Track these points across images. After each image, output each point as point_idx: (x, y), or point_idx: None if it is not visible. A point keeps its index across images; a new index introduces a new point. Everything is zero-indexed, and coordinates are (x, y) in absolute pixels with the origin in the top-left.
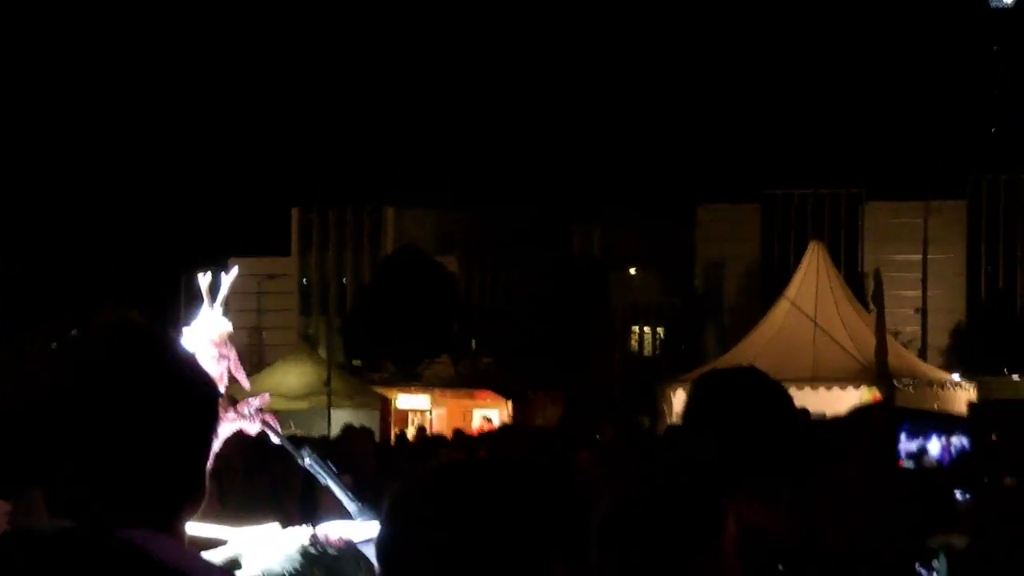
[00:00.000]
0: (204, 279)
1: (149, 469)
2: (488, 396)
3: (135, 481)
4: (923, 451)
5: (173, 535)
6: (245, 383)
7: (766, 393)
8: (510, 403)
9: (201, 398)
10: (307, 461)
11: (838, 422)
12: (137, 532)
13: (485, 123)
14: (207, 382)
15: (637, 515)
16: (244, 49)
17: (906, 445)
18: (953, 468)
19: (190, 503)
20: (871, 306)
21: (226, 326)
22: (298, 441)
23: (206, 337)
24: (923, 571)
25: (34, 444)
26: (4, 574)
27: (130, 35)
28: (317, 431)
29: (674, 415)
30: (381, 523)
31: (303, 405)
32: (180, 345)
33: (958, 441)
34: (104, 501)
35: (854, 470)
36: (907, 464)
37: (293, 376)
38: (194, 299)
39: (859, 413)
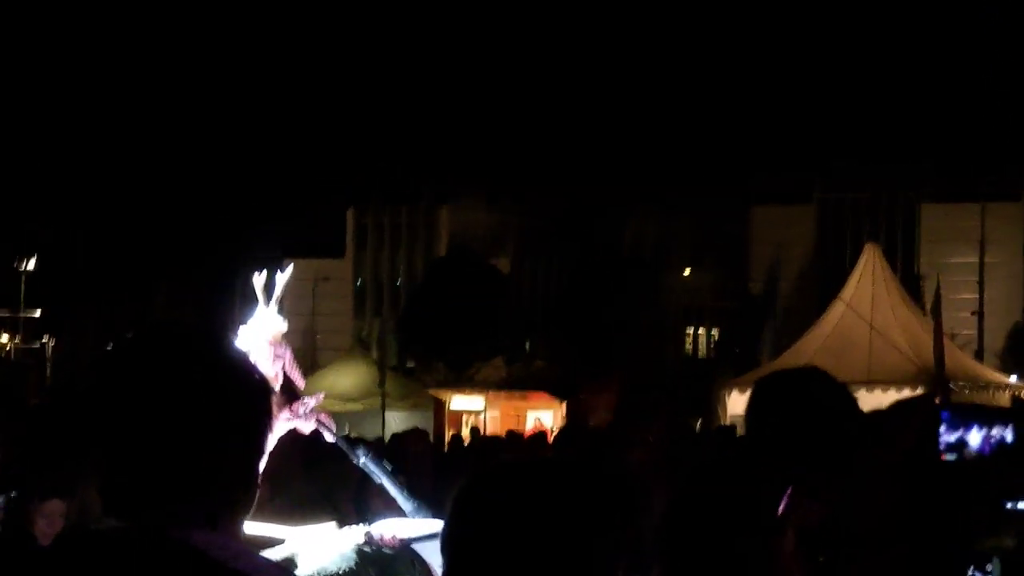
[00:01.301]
0: (259, 279)
1: (203, 468)
2: (542, 398)
3: (189, 480)
4: (963, 443)
5: (228, 534)
6: (300, 382)
7: (831, 393)
8: (564, 404)
9: (255, 397)
10: (362, 460)
11: (878, 414)
12: (192, 532)
13: (539, 121)
14: (261, 381)
15: (698, 513)
16: (300, 51)
17: (945, 437)
18: (994, 463)
19: (244, 502)
20: (927, 309)
21: (281, 326)
22: (353, 441)
23: (261, 337)
24: (977, 575)
25: (90, 444)
26: (61, 573)
27: (189, 36)
28: (371, 433)
29: (728, 417)
30: (448, 518)
31: (357, 407)
32: (234, 345)
33: (999, 433)
34: (159, 500)
35: (893, 460)
36: (948, 456)
37: (347, 378)
38: (249, 299)
39: (900, 405)
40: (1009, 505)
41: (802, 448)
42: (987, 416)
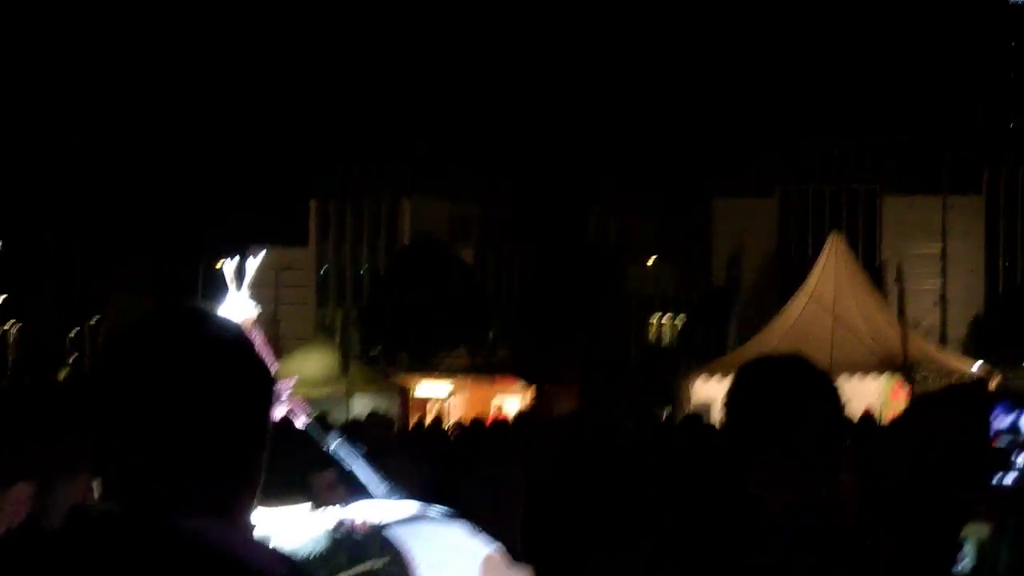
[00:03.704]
0: (230, 265)
1: (206, 453)
2: (510, 382)
3: (191, 465)
4: (1016, 428)
5: (228, 521)
6: (272, 367)
7: (815, 379)
8: (532, 389)
9: (260, 382)
10: (334, 445)
11: (931, 398)
12: (191, 518)
13: (502, 113)
14: (265, 367)
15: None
16: (263, 41)
17: (998, 423)
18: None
19: (248, 490)
20: (890, 299)
21: (252, 311)
22: (325, 426)
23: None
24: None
25: (92, 427)
26: (51, 556)
27: (151, 27)
28: (336, 419)
29: (692, 405)
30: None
31: (323, 392)
32: (239, 329)
33: None
34: (159, 485)
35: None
36: (1002, 441)
37: (311, 364)
38: (212, 288)
39: (951, 390)
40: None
41: (785, 434)
42: None
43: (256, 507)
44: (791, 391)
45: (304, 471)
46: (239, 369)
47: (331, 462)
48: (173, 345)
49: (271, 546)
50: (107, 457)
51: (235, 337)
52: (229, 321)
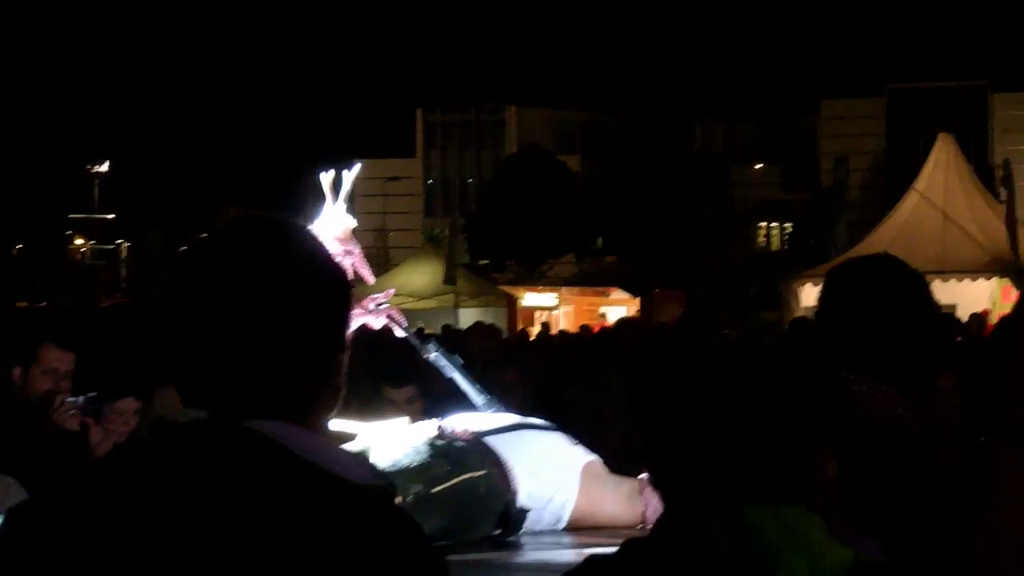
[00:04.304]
0: (327, 177)
1: (284, 361)
2: (617, 293)
3: (269, 373)
4: None
5: (309, 428)
6: (370, 279)
7: (905, 279)
8: (639, 300)
9: (334, 287)
10: (432, 355)
11: (1007, 319)
12: (272, 424)
13: (604, 21)
14: (339, 271)
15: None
16: None
17: None
18: None
19: (326, 395)
20: (1002, 196)
21: (350, 222)
22: (424, 336)
23: (330, 234)
24: None
25: (167, 339)
26: (138, 465)
27: None
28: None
29: (801, 309)
30: None
31: (430, 304)
32: (314, 237)
33: None
34: (238, 393)
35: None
36: None
37: (419, 276)
38: (320, 198)
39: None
40: None
41: (875, 337)
42: None
43: (350, 419)
44: (881, 290)
45: (380, 384)
46: (313, 274)
47: (411, 376)
48: (246, 255)
49: (358, 454)
50: (188, 367)
51: (313, 247)
52: (305, 231)
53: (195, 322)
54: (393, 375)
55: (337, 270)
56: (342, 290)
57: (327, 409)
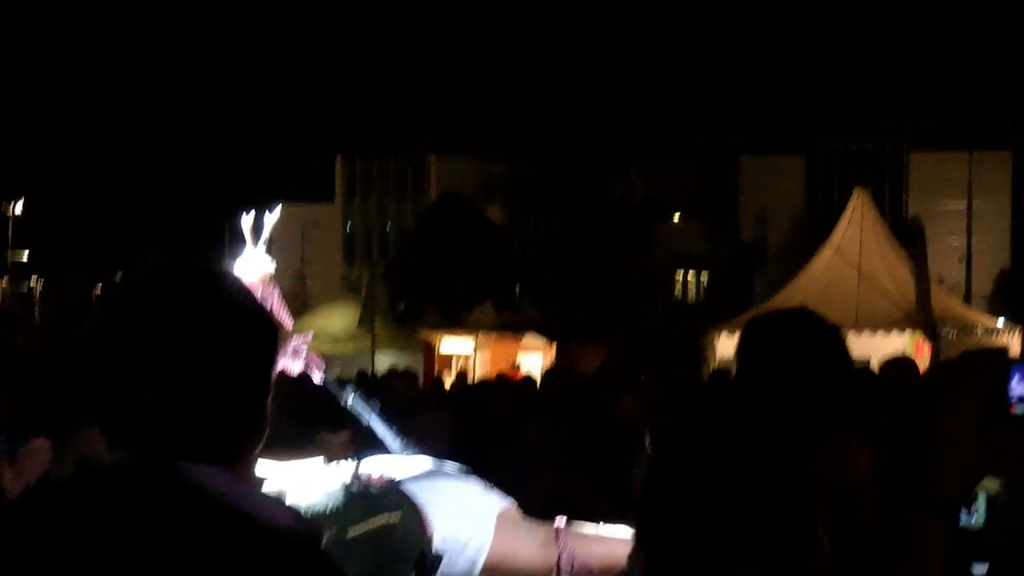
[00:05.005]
0: (247, 219)
1: (210, 402)
2: (533, 339)
3: (196, 416)
4: None
5: (237, 472)
6: (288, 323)
7: (821, 334)
8: (554, 346)
9: (261, 332)
10: (350, 400)
11: (948, 365)
12: (195, 467)
13: (528, 70)
14: (266, 317)
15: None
16: (292, 2)
17: (1018, 389)
18: None
19: (252, 438)
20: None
21: (269, 266)
22: (341, 382)
23: (249, 277)
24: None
25: (92, 381)
26: (61, 508)
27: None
28: (361, 375)
29: (717, 361)
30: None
31: (347, 348)
32: (240, 282)
33: None
34: (165, 436)
35: (962, 413)
36: (1020, 408)
37: (337, 320)
38: (238, 242)
39: (968, 356)
40: None
41: (791, 390)
42: None
43: (263, 459)
44: (796, 344)
45: (317, 427)
46: (241, 321)
47: (346, 421)
48: (175, 300)
49: (281, 499)
50: (113, 410)
51: (240, 290)
52: (232, 275)
53: (123, 366)
54: (330, 419)
55: (264, 315)
56: (269, 335)
57: (252, 452)
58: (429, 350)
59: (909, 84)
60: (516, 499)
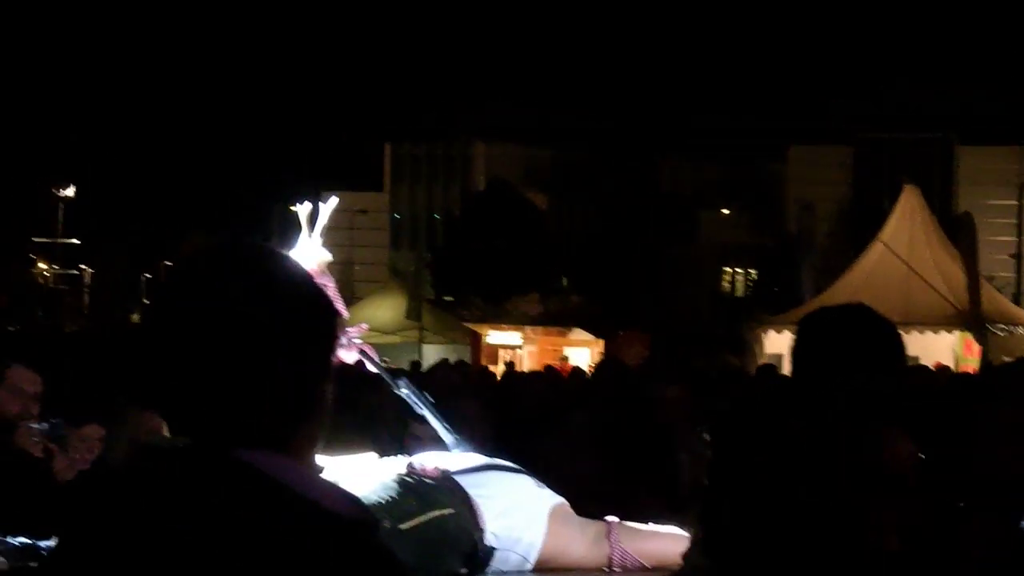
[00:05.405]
0: (303, 209)
1: (270, 389)
2: (580, 335)
3: (255, 402)
4: None
5: (296, 458)
6: (344, 313)
7: (878, 329)
8: (602, 342)
9: (319, 312)
10: (404, 391)
11: (1008, 368)
12: (254, 453)
13: (576, 57)
14: (324, 297)
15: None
16: None
17: None
18: None
19: (310, 425)
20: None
21: (325, 255)
22: (395, 372)
23: (306, 266)
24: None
25: (150, 366)
26: (123, 492)
27: None
28: (407, 365)
29: (765, 355)
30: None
31: (394, 339)
32: (293, 260)
33: None
34: (224, 422)
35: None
36: None
37: (384, 310)
38: (285, 232)
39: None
40: None
41: (846, 384)
42: None
43: (321, 447)
44: (853, 339)
45: (373, 417)
46: (302, 304)
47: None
48: (230, 278)
49: (342, 487)
50: (171, 395)
51: (299, 273)
52: (287, 256)
53: (179, 349)
54: (397, 410)
55: (322, 296)
56: (327, 316)
57: (312, 439)
58: (476, 341)
59: (959, 76)
60: (556, 482)
